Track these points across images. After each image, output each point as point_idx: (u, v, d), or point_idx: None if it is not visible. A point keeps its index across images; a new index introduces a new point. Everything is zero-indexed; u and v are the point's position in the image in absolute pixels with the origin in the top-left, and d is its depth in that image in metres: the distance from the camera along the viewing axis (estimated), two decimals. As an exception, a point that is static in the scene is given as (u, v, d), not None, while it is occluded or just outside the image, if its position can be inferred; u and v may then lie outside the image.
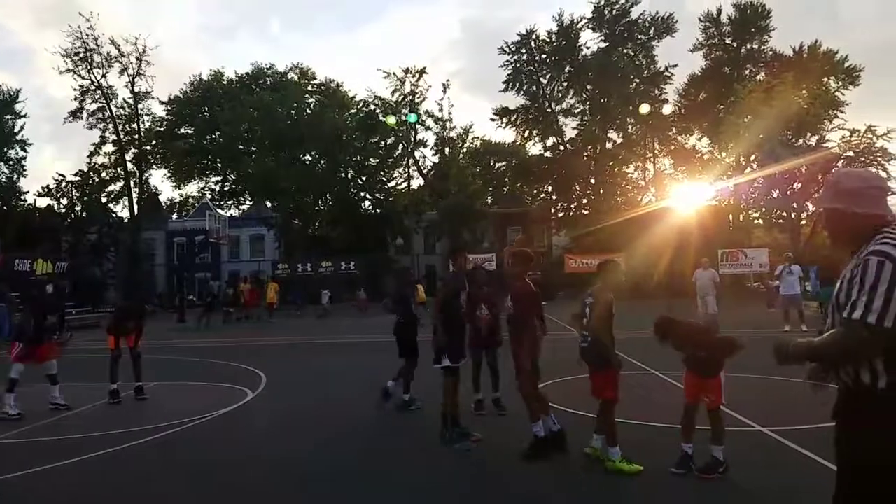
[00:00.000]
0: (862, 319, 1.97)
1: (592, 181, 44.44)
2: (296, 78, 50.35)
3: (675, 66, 43.72)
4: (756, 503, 4.27)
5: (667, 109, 41.73)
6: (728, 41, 43.14)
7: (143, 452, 5.87)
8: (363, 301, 26.93)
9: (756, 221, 40.46)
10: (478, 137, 48.56)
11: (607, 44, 43.42)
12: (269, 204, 47.65)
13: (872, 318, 1.95)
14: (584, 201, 45.04)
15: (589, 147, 44.75)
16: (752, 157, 36.48)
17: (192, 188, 53.82)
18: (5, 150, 42.68)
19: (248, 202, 51.56)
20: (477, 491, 4.68)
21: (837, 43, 67.61)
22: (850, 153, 32.52)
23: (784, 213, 37.25)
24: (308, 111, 46.73)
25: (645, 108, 36.47)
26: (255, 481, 4.88)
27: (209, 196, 50.91)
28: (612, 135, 44.56)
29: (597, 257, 35.08)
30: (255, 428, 6.89)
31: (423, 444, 5.82)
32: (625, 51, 43.84)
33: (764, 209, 38.56)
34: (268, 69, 50.97)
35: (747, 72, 42.55)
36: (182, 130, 49.49)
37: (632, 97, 42.12)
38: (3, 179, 43.35)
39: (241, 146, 47.75)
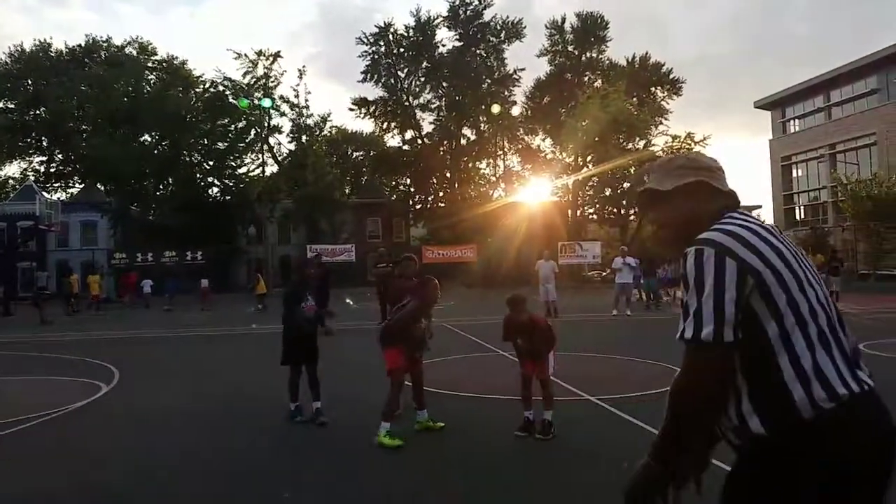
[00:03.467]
0: (694, 339, 1.44)
1: (448, 175, 46.02)
2: (134, 53, 46.66)
3: (523, 69, 46.66)
4: (583, 461, 5.10)
5: (515, 111, 44.42)
6: (570, 48, 46.69)
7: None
8: (206, 291, 25.92)
9: (591, 217, 44.26)
10: (335, 126, 48.29)
11: (462, 43, 45.13)
12: (101, 188, 43.92)
13: (706, 332, 1.42)
14: (441, 194, 46.58)
15: (445, 142, 46.36)
16: (589, 158, 39.74)
17: (13, 169, 48.27)
18: None
19: (78, 185, 47.15)
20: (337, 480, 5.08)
21: (665, 56, 75.73)
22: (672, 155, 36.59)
23: (615, 210, 41.07)
24: (148, 89, 43.57)
25: (496, 109, 38.43)
26: (116, 476, 4.88)
27: (33, 178, 45.81)
28: (467, 131, 46.49)
29: (452, 248, 36.79)
30: (113, 422, 6.74)
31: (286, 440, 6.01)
32: (478, 51, 45.79)
33: (598, 205, 42.28)
34: (103, 42, 46.86)
35: (587, 78, 46.48)
36: (0, 104, 44.14)
37: (484, 97, 44.32)
38: None
39: (71, 124, 43.52)
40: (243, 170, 45.39)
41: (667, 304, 19.03)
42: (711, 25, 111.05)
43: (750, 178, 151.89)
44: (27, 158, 46.73)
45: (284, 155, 45.41)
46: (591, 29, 45.94)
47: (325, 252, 34.82)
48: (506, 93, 46.17)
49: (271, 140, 44.82)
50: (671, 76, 45.58)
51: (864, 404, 1.44)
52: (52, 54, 45.39)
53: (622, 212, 40.54)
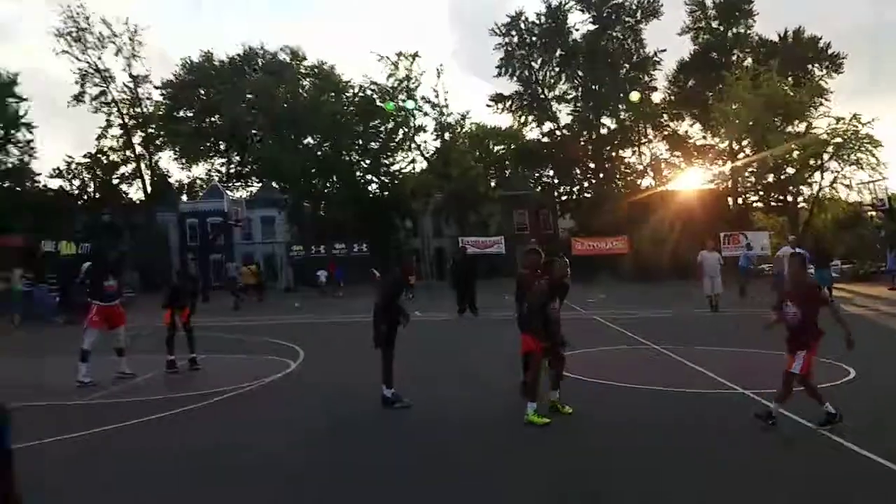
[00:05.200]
0: None
1: (591, 166, 44.97)
2: (287, 59, 50.21)
3: (664, 50, 43.92)
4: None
5: (657, 97, 41.90)
6: (715, 24, 43.11)
7: (206, 412, 6.91)
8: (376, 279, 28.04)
9: (755, 205, 41.13)
10: (475, 123, 49.02)
11: (596, 26, 43.41)
12: (276, 186, 48.27)
13: None
14: (586, 185, 45.60)
15: (584, 133, 45.06)
16: (745, 143, 37.02)
17: (200, 170, 54.38)
18: (13, 132, 43.10)
19: (256, 184, 52.24)
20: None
21: (822, 29, 67.24)
22: (839, 139, 33.05)
23: (781, 197, 37.95)
24: (304, 95, 46.91)
25: (635, 96, 36.85)
26: (283, 440, 5.82)
27: (217, 178, 51.44)
28: (606, 121, 44.88)
29: (603, 240, 36.07)
30: (298, 392, 7.89)
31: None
32: (613, 34, 43.81)
33: (762, 193, 39.25)
34: (259, 50, 50.90)
35: (735, 57, 42.63)
36: (181, 114, 49.62)
37: (622, 83, 42.41)
38: (15, 162, 43.78)
39: (244, 129, 48.17)
40: (396, 167, 47.81)
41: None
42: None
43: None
44: (209, 160, 52.33)
45: (431, 152, 47.06)
46: (735, 2, 41.99)
47: (476, 244, 35.91)
48: (646, 77, 44.07)
49: (417, 139, 46.58)
50: (829, 51, 40.71)
51: None
52: (216, 63, 49.94)
53: (789, 199, 37.30)
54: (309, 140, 47.29)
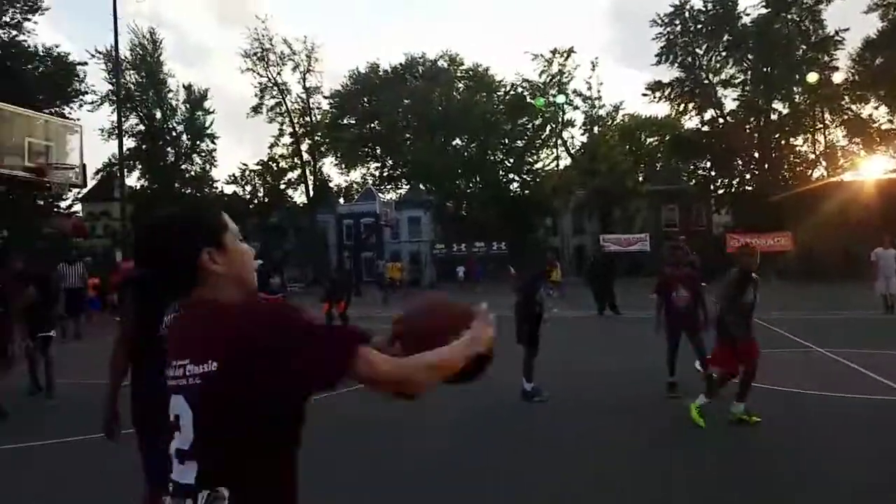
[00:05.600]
0: None
1: (756, 155, 41.95)
2: (445, 65, 52.06)
3: (847, 29, 39.71)
4: None
5: (837, 77, 38.21)
6: (909, -2, 38.30)
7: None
8: (513, 276, 28.71)
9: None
10: (628, 114, 47.71)
11: (769, 9, 40.47)
12: (423, 187, 50.19)
13: None
14: (748, 177, 42.69)
15: (752, 119, 42.28)
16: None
17: (356, 175, 57.94)
18: (199, 143, 48.51)
19: (404, 186, 54.66)
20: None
21: None
22: None
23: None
24: (458, 97, 48.41)
25: (812, 77, 33.73)
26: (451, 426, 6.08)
27: (371, 181, 54.52)
28: (777, 105, 41.70)
29: (762, 236, 33.42)
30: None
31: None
32: (788, 16, 40.63)
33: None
34: (420, 58, 53.24)
35: (934, 28, 37.60)
36: (345, 121, 53.26)
37: (798, 65, 39.35)
38: (198, 170, 49.19)
39: (399, 134, 50.56)
40: (539, 165, 47.76)
41: None
42: None
43: None
44: (366, 165, 55.69)
45: (577, 148, 46.49)
46: None
47: (618, 242, 34.97)
48: (826, 58, 40.21)
49: (564, 134, 46.26)
50: None
51: None
52: (381, 73, 52.97)
53: None
54: (457, 141, 48.70)
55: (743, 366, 5.39)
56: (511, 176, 48.71)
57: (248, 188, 51.95)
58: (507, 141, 47.49)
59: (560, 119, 45.24)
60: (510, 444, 5.50)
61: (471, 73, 50.76)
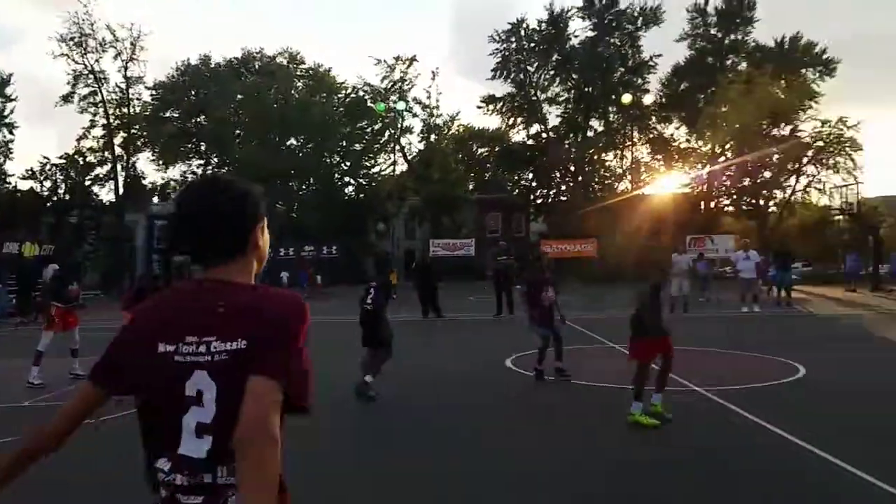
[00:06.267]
0: None
1: (572, 168, 45.30)
2: (284, 62, 50.29)
3: (660, 55, 44.34)
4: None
5: (648, 99, 42.63)
6: (713, 31, 43.54)
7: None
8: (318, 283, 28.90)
9: (726, 209, 41.60)
10: (463, 125, 49.33)
11: (595, 33, 43.89)
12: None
13: None
14: (563, 188, 45.98)
15: (571, 135, 45.54)
16: (728, 146, 37.43)
17: (175, 172, 53.87)
18: (-6, 132, 42.42)
19: (230, 185, 51.84)
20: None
21: (820, 35, 68.65)
22: (820, 143, 33.51)
23: (753, 201, 38.39)
24: (296, 96, 46.93)
25: (627, 98, 37.10)
26: None
27: (192, 179, 50.95)
28: (594, 123, 45.38)
29: (571, 243, 36.28)
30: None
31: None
32: (612, 40, 44.34)
33: (735, 196, 39.71)
34: (257, 53, 50.88)
35: (730, 62, 43.07)
36: (168, 114, 49.38)
37: (615, 86, 43.05)
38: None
39: (228, 130, 47.82)
40: (376, 169, 47.67)
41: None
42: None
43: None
44: (187, 162, 51.89)
45: (414, 154, 47.10)
46: (737, 10, 42.39)
47: (446, 247, 35.84)
48: (639, 81, 44.43)
49: (403, 140, 46.63)
50: (824, 56, 41.39)
51: None
52: (213, 66, 49.81)
53: (761, 203, 37.72)
54: (293, 141, 47.05)
55: (662, 358, 5.75)
56: (347, 179, 48.11)
57: (48, 184, 46.10)
58: (344, 144, 46.84)
59: (399, 125, 45.60)
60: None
61: (311, 72, 49.47)
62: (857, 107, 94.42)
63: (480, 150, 49.92)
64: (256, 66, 49.94)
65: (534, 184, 47.41)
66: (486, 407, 6.62)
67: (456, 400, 6.94)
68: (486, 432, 5.61)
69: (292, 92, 47.31)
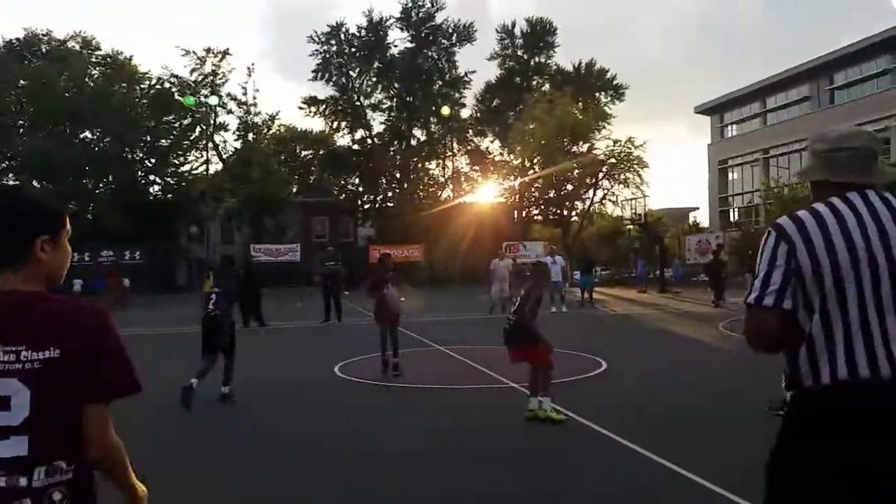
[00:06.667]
0: (746, 301, 1.72)
1: (398, 175, 46.07)
2: (77, 47, 44.91)
3: (474, 72, 47.05)
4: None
5: (465, 113, 44.87)
6: (520, 53, 47.42)
7: None
8: (126, 290, 25.99)
9: (536, 217, 45.05)
10: (284, 125, 47.86)
11: (414, 44, 45.19)
12: (36, 184, 42.13)
13: (751, 297, 1.70)
14: (390, 194, 46.60)
15: (395, 142, 46.48)
16: (535, 161, 40.41)
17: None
18: None
19: (12, 181, 45.18)
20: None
21: (610, 62, 77.49)
22: (613, 160, 37.40)
23: (558, 211, 41.89)
24: (91, 84, 42.16)
25: (445, 110, 38.72)
26: None
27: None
28: (417, 132, 46.65)
29: (399, 248, 36.93)
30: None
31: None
32: (429, 53, 45.92)
33: (542, 207, 43.14)
34: (44, 35, 44.86)
35: (535, 83, 47.10)
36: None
37: (434, 98, 44.78)
38: None
39: (8, 119, 41.67)
40: (186, 168, 44.37)
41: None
42: (657, 33, 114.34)
43: (690, 180, 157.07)
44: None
45: (230, 153, 44.64)
46: (540, 34, 46.75)
47: (269, 252, 34.50)
48: (456, 95, 46.55)
49: (217, 138, 43.96)
50: (615, 82, 46.71)
51: (869, 389, 1.54)
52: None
53: (564, 213, 41.37)
54: (87, 134, 42.15)
55: (542, 362, 5.82)
56: (152, 177, 44.18)
57: None
58: (149, 138, 42.92)
59: (212, 121, 42.90)
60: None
61: (109, 59, 44.66)
62: (648, 127, 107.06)
63: (305, 153, 48.90)
64: (44, 50, 44.17)
65: (361, 189, 47.44)
66: (314, 415, 6.46)
67: (283, 410, 6.68)
68: (310, 440, 5.46)
69: (86, 80, 42.46)
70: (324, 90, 45.68)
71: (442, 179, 47.64)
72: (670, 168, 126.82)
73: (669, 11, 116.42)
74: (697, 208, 56.32)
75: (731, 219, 47.27)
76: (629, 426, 5.40)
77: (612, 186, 37.24)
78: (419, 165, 46.59)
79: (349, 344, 11.15)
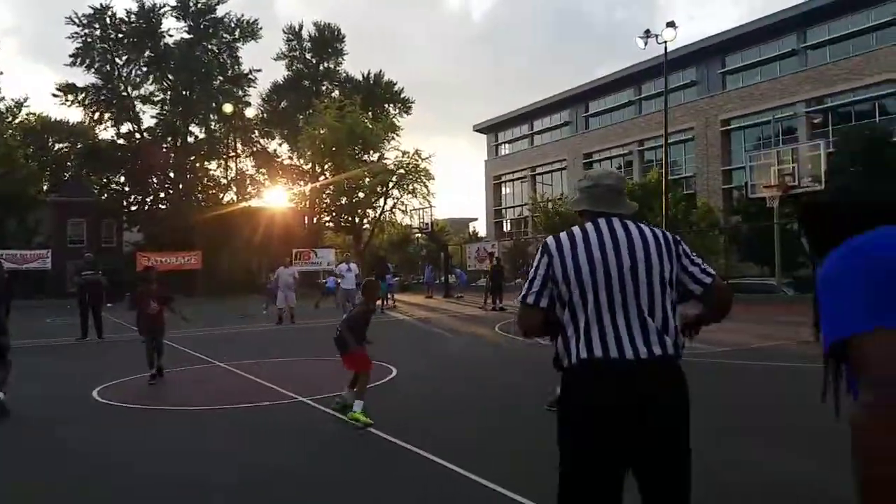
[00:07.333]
0: (519, 299, 2.32)
1: (172, 175, 42.60)
2: None
3: (259, 70, 45.54)
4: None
5: (250, 112, 42.97)
6: (308, 56, 46.71)
7: None
8: None
9: (327, 224, 44.67)
10: (33, 113, 41.69)
11: (192, 36, 42.42)
12: None
13: (521, 295, 2.29)
14: (162, 195, 42.97)
15: (169, 138, 42.96)
16: (326, 167, 40.10)
17: None
18: None
19: None
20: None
21: (399, 75, 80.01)
22: (402, 171, 38.50)
23: (350, 218, 42.02)
24: None
25: (228, 108, 36.75)
26: None
27: None
28: (195, 129, 43.66)
29: (173, 255, 34.03)
30: None
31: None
32: (209, 46, 43.45)
33: (334, 213, 42.93)
34: None
35: (324, 88, 46.71)
36: None
37: (215, 94, 42.37)
38: None
39: None
40: None
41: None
42: (442, 53, 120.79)
43: (471, 193, 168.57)
44: None
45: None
46: (328, 40, 46.47)
47: (14, 259, 29.71)
48: (240, 92, 44.40)
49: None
50: (402, 95, 48.11)
51: (602, 364, 2.09)
52: None
53: (357, 220, 41.59)
54: None
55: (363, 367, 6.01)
56: None
57: None
58: None
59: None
60: None
61: None
62: (434, 141, 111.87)
63: (59, 146, 43.10)
64: None
65: (126, 188, 42.93)
66: (64, 449, 5.60)
67: (28, 447, 5.69)
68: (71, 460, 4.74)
69: None
70: (84, 77, 40.93)
71: (224, 181, 45.09)
72: (454, 180, 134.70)
73: (454, 30, 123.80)
74: (476, 219, 60.42)
75: (505, 229, 51.52)
76: (413, 430, 5.48)
77: (401, 196, 38.28)
78: (197, 165, 43.53)
79: (111, 363, 9.98)
